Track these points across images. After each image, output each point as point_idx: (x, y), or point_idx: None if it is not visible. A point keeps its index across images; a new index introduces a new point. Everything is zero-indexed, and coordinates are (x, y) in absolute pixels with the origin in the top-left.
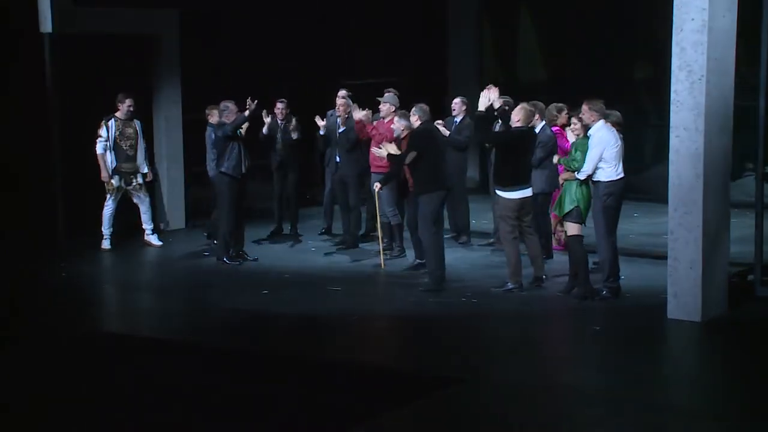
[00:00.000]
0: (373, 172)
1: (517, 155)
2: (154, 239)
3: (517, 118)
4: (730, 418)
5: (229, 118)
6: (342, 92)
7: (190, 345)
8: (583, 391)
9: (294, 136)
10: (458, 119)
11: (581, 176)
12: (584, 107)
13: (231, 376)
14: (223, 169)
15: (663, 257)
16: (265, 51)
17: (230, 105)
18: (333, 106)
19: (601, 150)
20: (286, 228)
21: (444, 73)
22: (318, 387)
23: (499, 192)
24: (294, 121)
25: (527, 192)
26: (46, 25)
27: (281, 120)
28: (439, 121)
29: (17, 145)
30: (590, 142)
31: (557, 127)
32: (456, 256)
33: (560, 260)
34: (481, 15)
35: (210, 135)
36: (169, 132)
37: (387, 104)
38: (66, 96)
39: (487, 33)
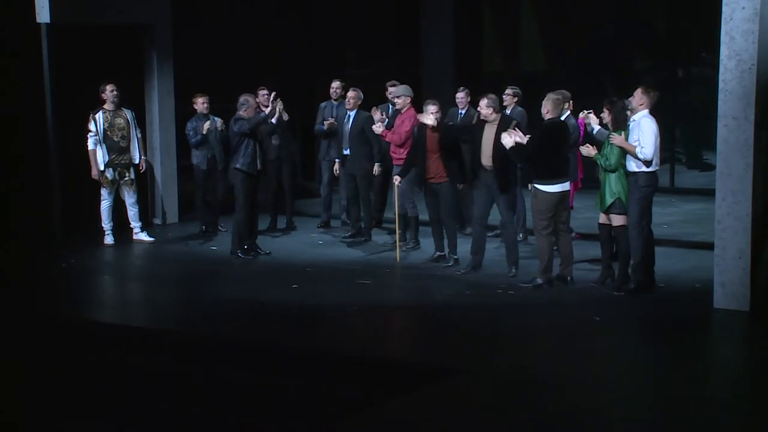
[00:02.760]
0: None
1: (553, 147)
2: (144, 236)
3: (546, 109)
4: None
5: (248, 112)
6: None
7: (223, 339)
8: (622, 385)
9: (285, 117)
10: (463, 112)
11: (642, 157)
12: (638, 91)
13: (257, 368)
14: (237, 166)
15: (669, 245)
16: (250, 42)
17: (250, 99)
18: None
19: (656, 134)
20: (281, 221)
21: (419, 65)
22: (333, 378)
23: (537, 185)
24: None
25: (566, 186)
26: (44, 15)
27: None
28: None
29: (14, 135)
30: (640, 127)
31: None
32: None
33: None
34: (456, 7)
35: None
36: (162, 124)
37: (402, 96)
38: (62, 87)
39: (487, 22)
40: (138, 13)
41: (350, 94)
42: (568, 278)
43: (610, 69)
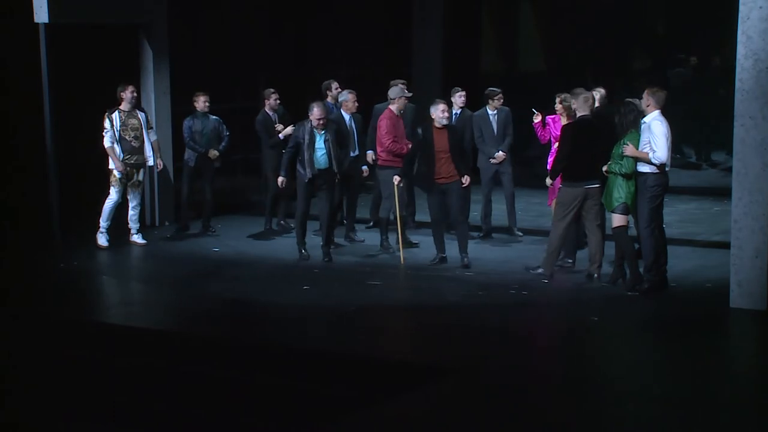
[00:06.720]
0: (386, 166)
1: (585, 147)
2: (138, 239)
3: (574, 105)
4: None
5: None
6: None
7: (222, 339)
8: (633, 385)
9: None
10: (458, 112)
11: (656, 161)
12: (645, 93)
13: (257, 368)
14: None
15: (672, 244)
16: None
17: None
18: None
19: (666, 136)
20: (274, 222)
21: (409, 64)
22: (333, 378)
23: (562, 183)
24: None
25: (593, 183)
26: (42, 14)
27: (273, 111)
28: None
29: (13, 135)
30: (651, 130)
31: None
32: (473, 248)
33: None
34: (448, 7)
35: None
36: (159, 124)
37: (401, 98)
38: (60, 86)
39: (483, 22)
40: (135, 12)
41: (350, 96)
42: (595, 276)
43: (604, 68)
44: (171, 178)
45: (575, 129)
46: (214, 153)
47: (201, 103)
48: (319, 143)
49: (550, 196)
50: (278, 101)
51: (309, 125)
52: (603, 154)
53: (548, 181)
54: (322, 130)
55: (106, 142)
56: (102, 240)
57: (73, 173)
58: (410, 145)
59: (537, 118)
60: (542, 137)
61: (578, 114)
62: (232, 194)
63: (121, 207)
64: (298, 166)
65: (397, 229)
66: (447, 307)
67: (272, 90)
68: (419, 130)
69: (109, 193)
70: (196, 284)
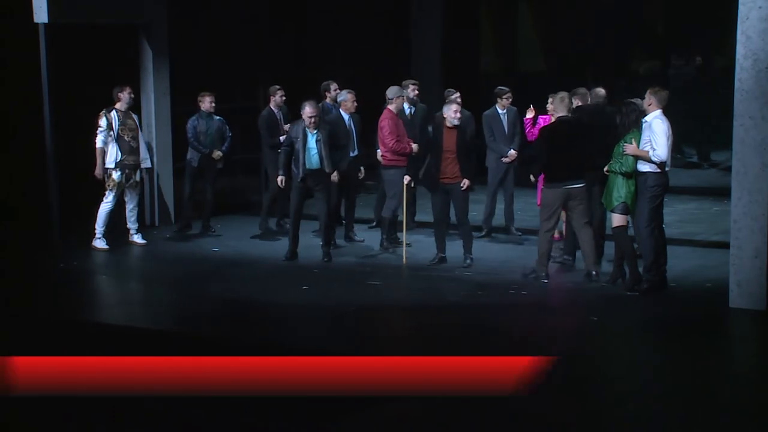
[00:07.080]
0: (390, 166)
1: (551, 147)
2: (138, 239)
3: (551, 107)
4: None
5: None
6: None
7: (222, 339)
8: (634, 385)
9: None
10: None
11: (656, 159)
12: (647, 92)
13: None
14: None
15: (671, 244)
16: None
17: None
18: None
19: (667, 135)
20: (271, 222)
21: (408, 64)
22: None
23: (543, 185)
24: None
25: (576, 183)
26: (42, 14)
27: (278, 109)
28: None
29: (12, 135)
30: (652, 129)
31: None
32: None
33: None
34: (445, 7)
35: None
36: (158, 124)
37: (399, 97)
38: (60, 86)
39: (485, 23)
40: (135, 12)
41: (349, 96)
42: (593, 273)
43: (604, 68)
44: (171, 178)
45: (552, 130)
46: (218, 154)
47: (207, 103)
48: (311, 143)
49: (539, 196)
50: (284, 98)
51: (303, 124)
52: (586, 155)
53: (532, 177)
54: (314, 129)
55: (99, 142)
56: (101, 244)
57: (73, 173)
58: (413, 144)
59: (530, 114)
60: (530, 134)
61: (556, 115)
62: (232, 194)
63: (119, 207)
64: (293, 165)
65: (403, 228)
66: (447, 307)
67: (278, 87)
68: (430, 129)
69: (104, 197)
70: (196, 284)
